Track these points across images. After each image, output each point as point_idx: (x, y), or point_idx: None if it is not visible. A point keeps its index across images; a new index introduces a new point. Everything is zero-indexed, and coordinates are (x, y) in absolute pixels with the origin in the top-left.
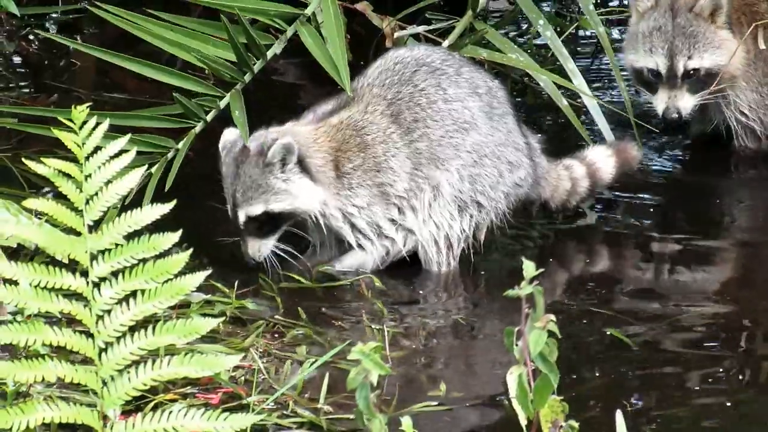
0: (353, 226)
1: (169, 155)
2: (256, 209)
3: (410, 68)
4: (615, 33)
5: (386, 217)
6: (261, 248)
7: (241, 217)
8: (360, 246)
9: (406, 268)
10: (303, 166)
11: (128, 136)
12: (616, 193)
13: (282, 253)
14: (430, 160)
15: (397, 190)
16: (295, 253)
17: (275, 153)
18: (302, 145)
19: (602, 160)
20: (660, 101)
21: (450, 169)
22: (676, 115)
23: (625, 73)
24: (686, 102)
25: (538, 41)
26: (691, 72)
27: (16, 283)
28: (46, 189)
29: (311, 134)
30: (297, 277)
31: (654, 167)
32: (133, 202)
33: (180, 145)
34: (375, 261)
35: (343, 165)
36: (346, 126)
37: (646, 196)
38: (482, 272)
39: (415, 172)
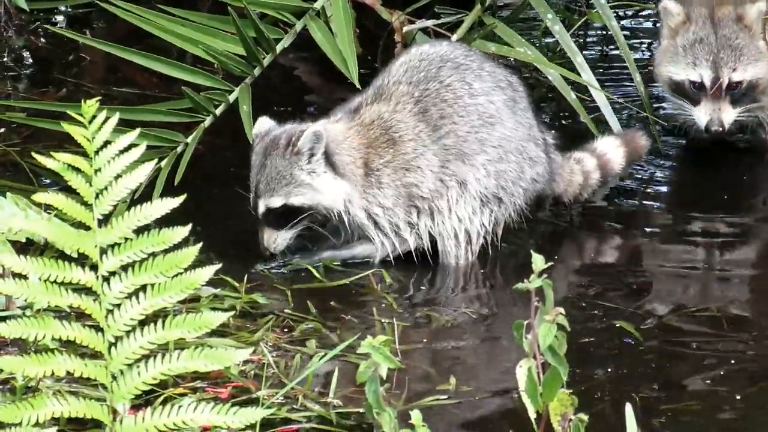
0: (376, 224)
1: (179, 149)
2: (277, 201)
3: (435, 64)
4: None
5: (405, 219)
6: (277, 240)
7: (261, 208)
8: (377, 239)
9: (417, 262)
10: (330, 161)
11: (138, 130)
12: (627, 182)
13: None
14: (457, 156)
15: (422, 191)
16: (309, 246)
17: (306, 141)
18: (332, 141)
19: (612, 150)
20: (703, 114)
21: (476, 165)
22: (720, 128)
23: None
24: (729, 114)
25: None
26: (735, 84)
27: (25, 277)
28: (47, 182)
29: (342, 132)
30: (309, 267)
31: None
32: (142, 196)
33: (189, 139)
34: (382, 255)
35: (373, 162)
36: (376, 125)
37: (655, 186)
38: (495, 267)
39: (442, 170)
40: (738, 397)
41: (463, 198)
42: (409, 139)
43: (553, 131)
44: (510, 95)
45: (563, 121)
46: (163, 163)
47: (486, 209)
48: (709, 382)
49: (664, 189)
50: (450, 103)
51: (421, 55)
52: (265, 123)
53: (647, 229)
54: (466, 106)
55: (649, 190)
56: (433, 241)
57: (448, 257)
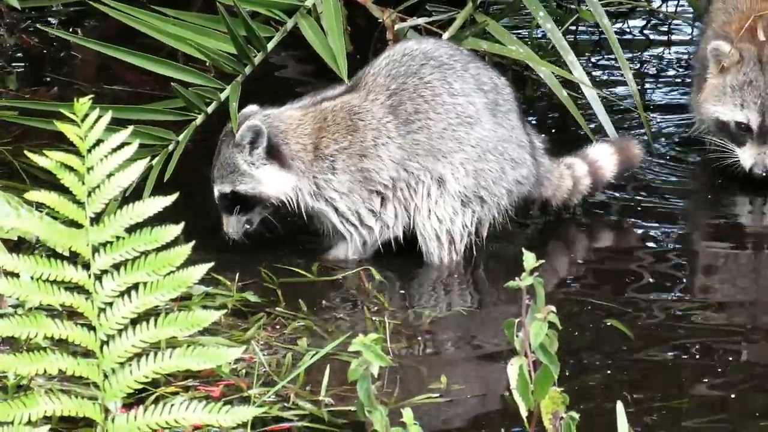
0: (336, 210)
1: (170, 147)
2: (225, 188)
3: (418, 61)
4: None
5: (366, 206)
6: (234, 226)
7: (215, 193)
8: (345, 230)
9: (407, 260)
10: (274, 152)
11: (130, 128)
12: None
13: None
14: (428, 152)
15: (382, 177)
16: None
17: (243, 135)
18: (281, 131)
19: (604, 158)
20: (748, 156)
21: (454, 163)
22: (765, 173)
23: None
24: None
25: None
26: None
27: (17, 275)
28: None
29: (296, 118)
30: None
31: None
32: (132, 194)
33: (180, 138)
34: (357, 248)
35: (328, 147)
36: (340, 109)
37: (646, 191)
38: (484, 265)
39: (406, 162)
40: (733, 396)
41: (442, 198)
42: (372, 128)
43: (543, 135)
44: (492, 98)
45: (551, 121)
46: (154, 162)
47: (468, 209)
48: (702, 380)
49: (656, 189)
50: (427, 99)
51: (405, 51)
52: (247, 110)
53: (637, 229)
54: (443, 104)
55: (641, 190)
56: (414, 237)
57: (432, 257)
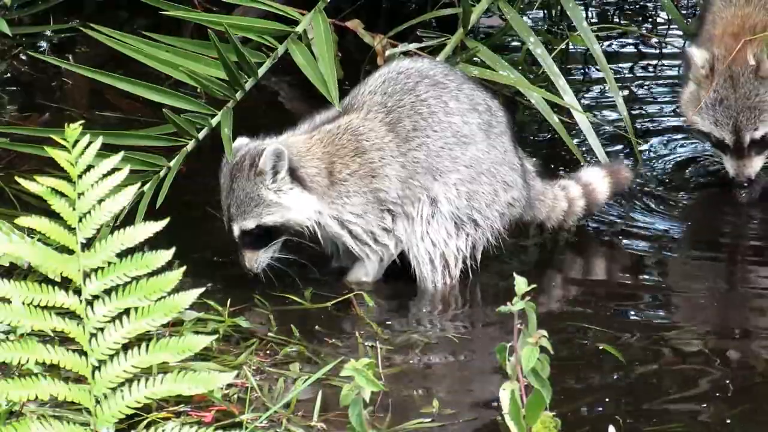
0: (350, 233)
1: (161, 173)
2: (250, 223)
3: (413, 78)
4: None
5: (379, 225)
6: (258, 260)
7: (236, 231)
8: (361, 251)
9: (400, 285)
10: (295, 175)
11: (121, 154)
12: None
13: (279, 264)
14: (427, 170)
15: (391, 196)
16: (297, 259)
17: (266, 161)
18: (295, 155)
19: (597, 180)
20: (730, 168)
21: (448, 183)
22: (747, 183)
23: (622, 91)
24: (754, 167)
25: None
26: (758, 140)
27: (9, 301)
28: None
29: (305, 143)
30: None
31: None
32: (124, 220)
33: (171, 163)
34: (375, 268)
35: (340, 171)
36: (344, 131)
37: (641, 212)
38: (477, 290)
39: (409, 180)
40: (728, 421)
41: (435, 219)
42: (377, 147)
43: (534, 159)
44: (486, 119)
45: (542, 145)
46: (146, 188)
47: (462, 232)
48: (694, 404)
49: (648, 212)
50: (424, 116)
51: (400, 68)
52: (239, 142)
53: (630, 253)
54: (440, 122)
55: (633, 213)
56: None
57: (426, 282)
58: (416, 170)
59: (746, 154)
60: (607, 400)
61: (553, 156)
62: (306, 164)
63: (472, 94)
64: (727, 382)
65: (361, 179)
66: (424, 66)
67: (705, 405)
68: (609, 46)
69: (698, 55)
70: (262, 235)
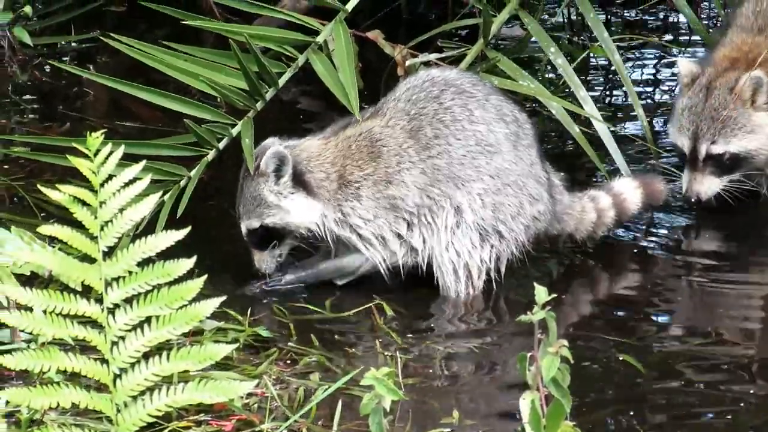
0: (360, 236)
1: (182, 183)
2: (254, 223)
3: (438, 87)
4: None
5: (392, 230)
6: (266, 261)
7: (243, 230)
8: (369, 254)
9: (421, 294)
10: (300, 180)
11: (143, 163)
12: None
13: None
14: (448, 177)
15: (407, 204)
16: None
17: (267, 162)
18: (304, 159)
19: (629, 191)
20: (684, 182)
21: (471, 192)
22: (695, 199)
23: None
24: (707, 186)
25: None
26: (716, 156)
27: (30, 309)
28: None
29: (318, 147)
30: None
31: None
32: (144, 230)
33: (192, 173)
34: (371, 265)
35: (352, 174)
36: (363, 137)
37: (665, 220)
38: (499, 300)
39: (429, 188)
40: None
41: (460, 229)
42: (394, 153)
43: (561, 173)
44: (514, 130)
45: (564, 156)
46: (166, 197)
47: (486, 243)
48: (715, 414)
49: (671, 223)
50: (447, 124)
51: (427, 77)
52: (268, 141)
53: (653, 264)
54: (463, 130)
55: (656, 225)
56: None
57: (448, 292)
58: (437, 178)
59: (700, 168)
60: (627, 410)
61: (576, 167)
62: (314, 169)
63: (499, 104)
64: (751, 392)
65: (375, 184)
66: (452, 75)
67: (728, 416)
68: (630, 55)
69: (684, 66)
70: (268, 236)
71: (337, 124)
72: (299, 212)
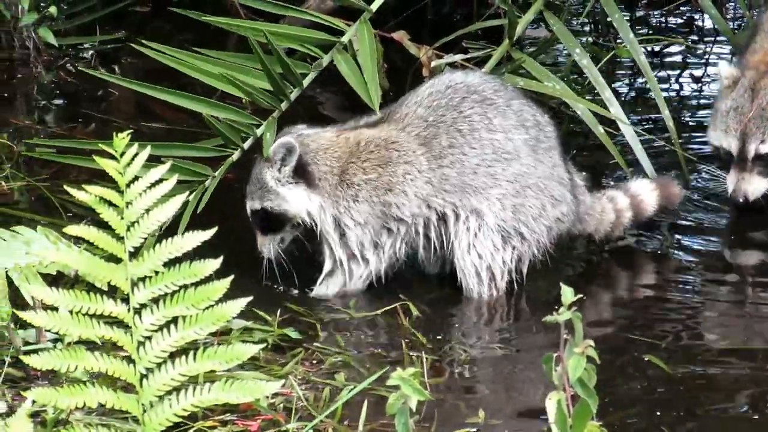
0: (342, 236)
1: (207, 183)
2: (256, 204)
3: (460, 94)
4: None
5: (373, 239)
6: (266, 246)
7: (247, 209)
8: (332, 259)
9: (446, 294)
10: (302, 171)
11: (169, 163)
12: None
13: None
14: (456, 187)
15: (402, 213)
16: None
17: (276, 150)
18: (312, 150)
19: (646, 193)
20: (730, 182)
21: (490, 198)
22: (742, 199)
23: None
24: (755, 186)
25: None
26: (764, 155)
27: (56, 309)
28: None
29: (328, 139)
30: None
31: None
32: (165, 229)
33: (217, 173)
34: (339, 284)
35: (355, 175)
36: (377, 140)
37: (688, 220)
38: (523, 300)
39: (431, 198)
40: None
41: (482, 231)
42: (404, 161)
43: (583, 172)
44: (534, 134)
45: (588, 156)
46: (191, 197)
47: (508, 245)
48: (741, 414)
49: (695, 225)
50: (464, 133)
51: (449, 82)
52: (295, 129)
53: (678, 265)
54: (480, 140)
55: (680, 226)
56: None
57: (471, 293)
58: (443, 188)
59: (749, 168)
60: (653, 410)
61: (600, 167)
62: (320, 160)
63: (520, 110)
64: None
65: (374, 189)
66: (474, 81)
67: (755, 416)
68: (655, 56)
69: (726, 70)
70: (269, 221)
71: (359, 119)
72: (296, 202)
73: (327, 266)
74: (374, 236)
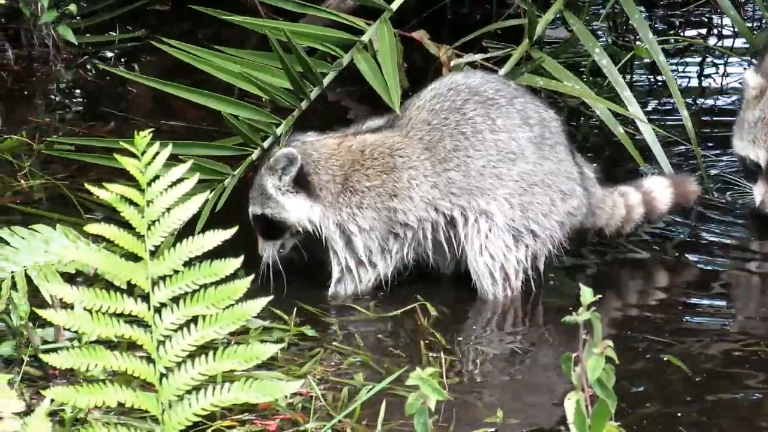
0: (348, 242)
1: (226, 182)
2: (257, 209)
3: (462, 96)
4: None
5: (380, 244)
6: (266, 251)
7: (249, 214)
8: (339, 265)
9: (464, 295)
10: (303, 181)
11: (190, 162)
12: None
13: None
14: (463, 190)
15: (408, 218)
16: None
17: (278, 160)
18: (313, 159)
19: (659, 190)
20: (758, 194)
21: (497, 198)
22: None
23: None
24: None
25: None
26: None
27: (72, 307)
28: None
29: (330, 147)
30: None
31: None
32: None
33: (236, 172)
34: (352, 287)
35: (359, 181)
36: (381, 144)
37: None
38: (540, 301)
39: (438, 201)
40: None
41: (492, 232)
42: (409, 166)
43: (594, 164)
44: (538, 132)
45: (608, 155)
46: (210, 196)
47: (521, 244)
48: (760, 415)
49: (714, 225)
50: (467, 136)
51: (451, 84)
52: (306, 137)
53: (696, 265)
54: (484, 141)
55: (699, 226)
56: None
57: (486, 295)
58: (450, 191)
59: None
60: (672, 410)
61: (619, 167)
62: (321, 169)
63: (524, 108)
64: None
65: (378, 195)
66: (476, 82)
67: None
68: (674, 57)
69: (752, 78)
70: (269, 226)
71: (362, 123)
72: (296, 211)
73: (335, 273)
74: (381, 241)
